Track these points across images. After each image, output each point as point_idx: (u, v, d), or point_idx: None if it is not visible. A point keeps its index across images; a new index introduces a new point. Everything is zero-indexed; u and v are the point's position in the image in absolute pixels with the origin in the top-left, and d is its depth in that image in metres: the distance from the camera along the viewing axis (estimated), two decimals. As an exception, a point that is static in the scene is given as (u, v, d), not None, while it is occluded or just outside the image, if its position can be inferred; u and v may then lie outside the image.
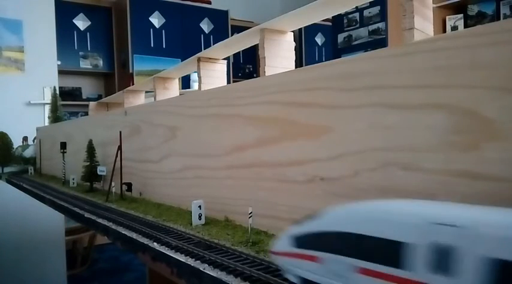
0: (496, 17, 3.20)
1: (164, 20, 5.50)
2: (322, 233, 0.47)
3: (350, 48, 4.74)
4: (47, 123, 2.80)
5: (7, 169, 2.65)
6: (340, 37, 4.88)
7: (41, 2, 3.56)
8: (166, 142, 1.22)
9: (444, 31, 3.32)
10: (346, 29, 4.81)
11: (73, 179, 1.80)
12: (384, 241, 0.39)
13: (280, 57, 0.97)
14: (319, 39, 6.77)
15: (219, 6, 5.95)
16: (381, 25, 4.47)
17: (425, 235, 0.35)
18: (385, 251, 0.39)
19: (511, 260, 0.30)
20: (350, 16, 4.74)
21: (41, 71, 3.53)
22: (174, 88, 1.48)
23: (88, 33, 5.28)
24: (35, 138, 2.74)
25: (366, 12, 4.59)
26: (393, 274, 0.39)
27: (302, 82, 0.76)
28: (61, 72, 3.88)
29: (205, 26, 5.86)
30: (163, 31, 5.48)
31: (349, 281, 0.43)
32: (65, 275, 3.41)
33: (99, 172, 1.56)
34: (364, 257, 0.41)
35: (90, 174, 1.60)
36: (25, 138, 2.83)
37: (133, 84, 3.08)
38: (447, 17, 3.37)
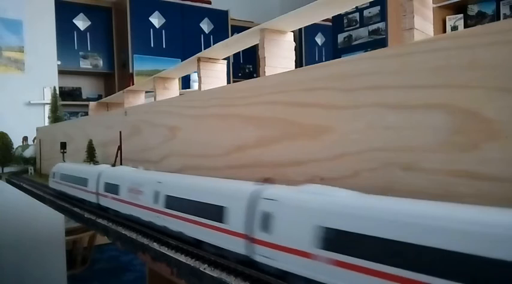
0: (496, 17, 3.20)
1: (164, 20, 5.50)
2: (62, 174, 1.46)
3: (350, 48, 4.74)
4: (47, 123, 2.80)
5: (7, 169, 2.64)
6: (340, 37, 4.88)
7: (41, 2, 3.56)
8: (166, 142, 1.22)
9: (444, 31, 3.32)
10: (346, 29, 4.81)
11: (73, 179, 1.80)
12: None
13: (280, 57, 0.97)
14: (319, 39, 6.77)
15: (219, 6, 5.96)
16: (381, 25, 4.47)
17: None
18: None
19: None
20: (350, 16, 4.74)
21: (41, 71, 3.52)
22: (174, 88, 1.48)
23: (88, 33, 5.29)
24: (35, 138, 2.74)
25: (366, 12, 4.60)
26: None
27: (302, 82, 0.76)
28: (61, 72, 3.88)
29: (205, 26, 5.86)
30: (163, 31, 5.49)
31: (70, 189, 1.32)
32: (65, 275, 3.41)
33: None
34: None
35: (90, 174, 1.60)
36: (25, 138, 2.83)
37: (133, 84, 3.07)
38: (447, 17, 3.37)
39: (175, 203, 0.78)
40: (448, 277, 0.36)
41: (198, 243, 0.71)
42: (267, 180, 0.64)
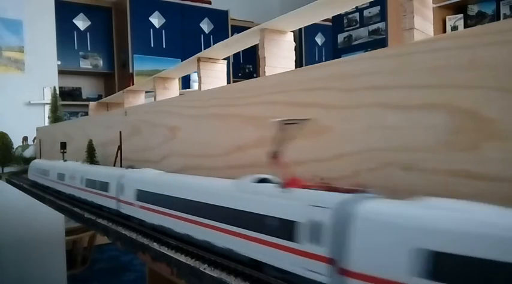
0: (496, 17, 3.20)
1: (164, 20, 5.50)
2: (35, 168, 1.90)
3: (350, 48, 4.74)
4: (47, 123, 2.80)
5: (7, 169, 2.64)
6: (340, 37, 4.88)
7: (41, 2, 3.56)
8: (166, 142, 1.22)
9: (444, 31, 3.32)
10: (346, 29, 4.81)
11: (73, 179, 1.80)
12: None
13: (280, 57, 0.97)
14: (319, 39, 6.77)
15: (219, 6, 5.95)
16: (381, 25, 4.47)
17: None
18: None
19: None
20: (350, 16, 4.74)
21: (41, 71, 3.52)
22: (174, 88, 1.48)
23: (88, 33, 5.28)
24: (35, 138, 2.74)
25: (366, 12, 4.60)
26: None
27: (302, 82, 0.76)
28: (61, 72, 3.88)
29: (205, 26, 5.86)
30: (163, 31, 5.49)
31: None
32: (65, 275, 3.40)
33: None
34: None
35: (90, 174, 1.61)
36: (25, 138, 2.83)
37: (133, 84, 3.07)
38: (447, 17, 3.37)
39: (90, 183, 1.23)
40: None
41: (101, 207, 1.15)
42: (131, 167, 1.16)
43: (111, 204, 1.06)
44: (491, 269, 0.34)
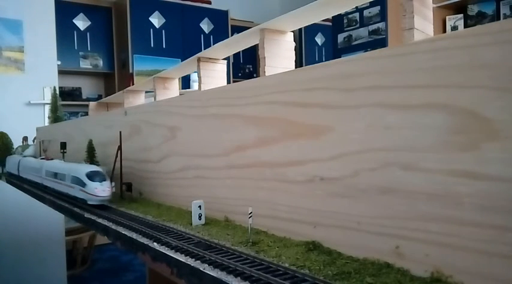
0: (496, 17, 3.20)
1: (164, 20, 5.50)
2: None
3: (350, 48, 4.73)
4: (47, 123, 2.80)
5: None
6: (340, 37, 4.88)
7: (41, 2, 3.56)
8: (166, 142, 1.22)
9: (444, 31, 3.32)
10: (346, 29, 4.81)
11: (73, 179, 1.80)
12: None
13: (280, 57, 0.97)
14: (319, 39, 6.77)
15: (219, 6, 5.95)
16: (381, 25, 4.46)
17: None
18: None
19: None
20: (350, 16, 4.74)
21: (41, 70, 3.52)
22: (174, 88, 1.48)
23: (88, 33, 5.28)
24: (35, 138, 2.74)
25: (366, 12, 4.59)
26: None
27: (302, 82, 0.76)
28: (61, 72, 3.88)
29: (205, 26, 5.86)
30: (163, 31, 5.49)
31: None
32: (65, 275, 3.41)
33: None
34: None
35: (90, 174, 1.60)
36: (25, 138, 2.83)
37: (133, 84, 3.07)
38: (447, 17, 3.37)
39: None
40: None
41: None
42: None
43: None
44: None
